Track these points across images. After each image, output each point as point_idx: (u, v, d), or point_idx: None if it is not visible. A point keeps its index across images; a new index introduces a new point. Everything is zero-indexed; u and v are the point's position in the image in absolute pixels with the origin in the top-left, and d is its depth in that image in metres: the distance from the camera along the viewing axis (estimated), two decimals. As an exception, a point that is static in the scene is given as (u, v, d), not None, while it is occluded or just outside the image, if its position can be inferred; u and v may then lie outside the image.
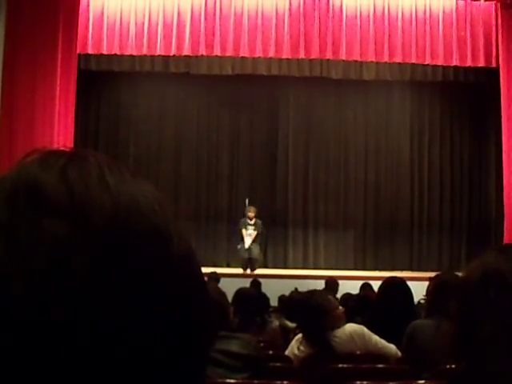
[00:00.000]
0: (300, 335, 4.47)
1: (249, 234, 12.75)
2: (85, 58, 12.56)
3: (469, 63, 12.60)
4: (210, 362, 3.09)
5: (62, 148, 0.62)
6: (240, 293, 5.77)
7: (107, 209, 0.55)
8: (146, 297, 0.55)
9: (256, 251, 12.83)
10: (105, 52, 12.32)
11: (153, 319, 0.55)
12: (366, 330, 4.39)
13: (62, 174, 0.56)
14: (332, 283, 9.96)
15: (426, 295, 4.34)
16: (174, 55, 12.61)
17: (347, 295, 7.62)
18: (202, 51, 12.29)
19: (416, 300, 5.63)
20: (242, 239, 12.84)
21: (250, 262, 12.76)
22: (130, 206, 0.57)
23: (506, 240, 11.93)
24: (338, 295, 7.98)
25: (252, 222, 12.83)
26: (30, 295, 0.51)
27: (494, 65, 12.53)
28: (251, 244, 12.71)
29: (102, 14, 12.23)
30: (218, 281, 9.84)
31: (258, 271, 12.50)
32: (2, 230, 0.54)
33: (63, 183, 0.56)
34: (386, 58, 12.60)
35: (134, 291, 0.54)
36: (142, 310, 0.54)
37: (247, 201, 13.29)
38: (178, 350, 0.57)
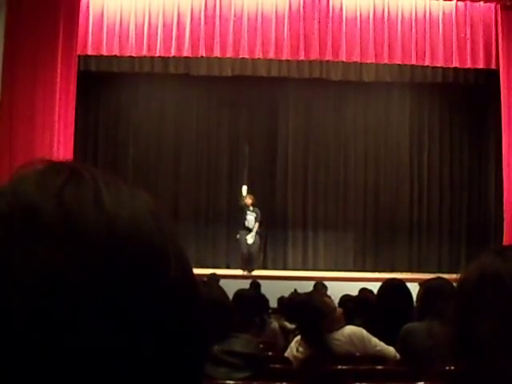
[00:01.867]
0: (299, 336, 4.47)
1: (248, 220, 12.76)
2: (84, 59, 12.56)
3: (468, 65, 12.60)
4: (213, 361, 3.16)
5: (59, 161, 0.61)
6: (239, 294, 5.78)
7: (104, 235, 0.55)
8: (142, 318, 0.55)
9: (255, 244, 12.82)
10: (104, 53, 12.32)
11: (149, 339, 0.55)
12: (365, 332, 4.39)
13: (59, 198, 0.56)
14: (320, 286, 10.08)
15: (416, 300, 4.42)
16: (173, 56, 12.60)
17: (346, 297, 7.60)
18: (202, 52, 12.29)
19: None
20: (243, 227, 12.85)
21: (248, 259, 12.77)
22: (128, 230, 0.56)
23: (505, 241, 11.93)
24: (338, 297, 7.95)
25: (251, 209, 12.84)
26: (26, 321, 0.52)
27: (493, 66, 12.53)
28: (252, 234, 12.74)
29: (102, 15, 12.23)
30: (217, 282, 9.84)
31: (258, 272, 12.50)
32: None
33: (59, 209, 0.55)
34: (385, 60, 12.60)
35: (131, 314, 0.54)
36: (139, 331, 0.55)
37: (245, 188, 13.19)
38: (173, 364, 0.58)
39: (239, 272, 12.55)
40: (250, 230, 12.77)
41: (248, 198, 12.92)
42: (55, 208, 0.55)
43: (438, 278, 4.59)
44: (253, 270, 12.66)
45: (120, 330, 0.54)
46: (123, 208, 0.57)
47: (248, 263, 12.76)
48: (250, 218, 12.78)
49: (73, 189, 0.57)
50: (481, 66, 12.62)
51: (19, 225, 0.54)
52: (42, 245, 0.53)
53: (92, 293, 0.53)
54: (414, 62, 12.64)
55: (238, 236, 12.92)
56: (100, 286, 0.53)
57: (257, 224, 12.81)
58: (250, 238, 12.74)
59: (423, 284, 4.57)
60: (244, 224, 12.80)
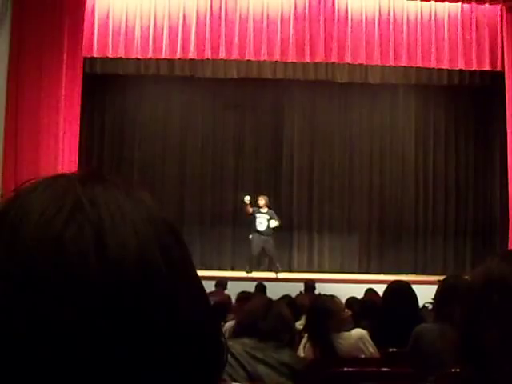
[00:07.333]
0: (306, 338, 4.46)
1: (261, 222, 12.68)
2: (90, 61, 12.57)
3: (474, 67, 12.59)
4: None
5: (63, 181, 0.59)
6: (244, 297, 5.78)
7: (107, 287, 0.54)
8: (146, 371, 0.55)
9: (270, 246, 12.78)
10: (110, 55, 12.32)
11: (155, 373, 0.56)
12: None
13: (58, 245, 0.54)
14: (310, 285, 10.15)
15: (434, 299, 4.29)
16: (179, 58, 12.61)
17: (352, 299, 7.59)
18: (208, 54, 12.29)
19: (421, 304, 5.62)
20: (254, 230, 12.76)
21: (256, 261, 12.75)
22: (134, 278, 0.55)
23: (511, 243, 11.91)
24: (343, 299, 7.94)
25: (264, 210, 12.77)
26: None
27: (499, 68, 12.51)
28: (266, 236, 12.66)
29: (108, 17, 12.24)
30: (225, 286, 9.84)
31: (263, 274, 12.48)
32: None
33: (59, 258, 0.54)
34: (391, 62, 12.58)
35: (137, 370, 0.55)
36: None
37: (247, 198, 12.84)
38: None
39: (244, 274, 12.54)
40: (261, 233, 12.66)
41: (262, 198, 12.84)
42: (55, 260, 0.54)
43: (458, 275, 4.46)
44: (252, 271, 12.63)
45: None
46: (128, 250, 0.55)
47: (253, 265, 12.74)
48: (263, 220, 12.68)
49: (73, 231, 0.55)
50: (486, 67, 12.60)
51: (19, 281, 0.53)
52: (43, 299, 0.52)
53: (94, 348, 0.52)
54: (419, 64, 12.62)
55: (250, 236, 12.83)
56: (102, 340, 0.53)
57: (266, 221, 12.64)
58: (268, 244, 12.68)
59: (442, 282, 4.41)
60: (256, 226, 12.71)
